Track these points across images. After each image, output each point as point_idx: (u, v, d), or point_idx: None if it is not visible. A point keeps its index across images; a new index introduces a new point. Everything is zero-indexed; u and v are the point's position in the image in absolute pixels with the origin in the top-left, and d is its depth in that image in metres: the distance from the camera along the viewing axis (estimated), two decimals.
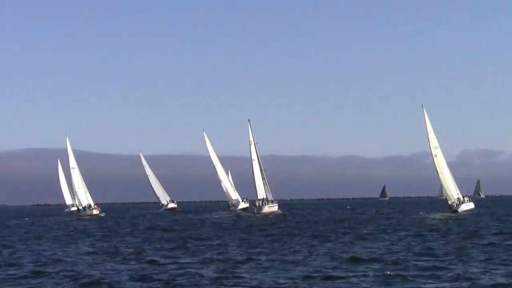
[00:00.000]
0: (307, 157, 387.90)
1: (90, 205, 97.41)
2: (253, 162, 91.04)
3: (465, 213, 78.25)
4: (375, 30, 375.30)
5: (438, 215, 75.87)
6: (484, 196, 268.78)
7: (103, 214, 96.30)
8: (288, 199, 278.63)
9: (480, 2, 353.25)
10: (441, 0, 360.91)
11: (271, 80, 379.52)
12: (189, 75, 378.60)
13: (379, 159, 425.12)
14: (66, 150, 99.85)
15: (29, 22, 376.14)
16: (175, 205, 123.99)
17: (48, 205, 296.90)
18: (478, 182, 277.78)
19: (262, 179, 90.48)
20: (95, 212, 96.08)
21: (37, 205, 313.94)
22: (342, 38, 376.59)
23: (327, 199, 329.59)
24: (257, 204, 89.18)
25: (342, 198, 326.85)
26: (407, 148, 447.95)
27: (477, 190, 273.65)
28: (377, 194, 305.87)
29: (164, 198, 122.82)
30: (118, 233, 50.44)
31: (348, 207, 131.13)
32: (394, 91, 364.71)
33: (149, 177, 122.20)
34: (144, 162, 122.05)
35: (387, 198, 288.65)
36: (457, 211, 79.38)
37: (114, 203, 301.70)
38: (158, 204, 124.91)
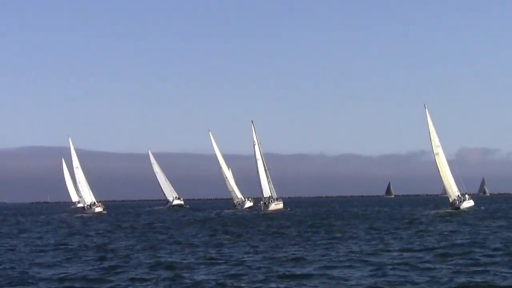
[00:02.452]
0: (305, 155, 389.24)
1: (94, 203, 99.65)
2: (258, 161, 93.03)
3: (467, 210, 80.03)
4: (372, 29, 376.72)
5: (440, 211, 78.22)
6: (489, 194, 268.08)
7: (105, 212, 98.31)
8: (286, 197, 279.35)
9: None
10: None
11: (268, 80, 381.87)
12: (194, 73, 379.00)
13: (376, 157, 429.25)
14: (69, 149, 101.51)
15: (29, 17, 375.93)
16: (182, 202, 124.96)
17: (47, 202, 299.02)
18: (483, 180, 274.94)
19: (267, 178, 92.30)
20: (98, 209, 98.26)
21: (36, 202, 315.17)
22: (339, 37, 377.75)
23: (326, 197, 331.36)
24: (264, 202, 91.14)
25: (340, 196, 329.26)
26: (404, 146, 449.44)
27: (482, 188, 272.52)
28: (377, 192, 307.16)
29: (170, 195, 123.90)
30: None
31: (356, 204, 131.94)
32: (391, 90, 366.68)
33: (156, 174, 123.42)
34: (153, 160, 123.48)
35: (392, 196, 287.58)
36: (459, 208, 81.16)
37: (122, 200, 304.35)
38: (164, 201, 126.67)
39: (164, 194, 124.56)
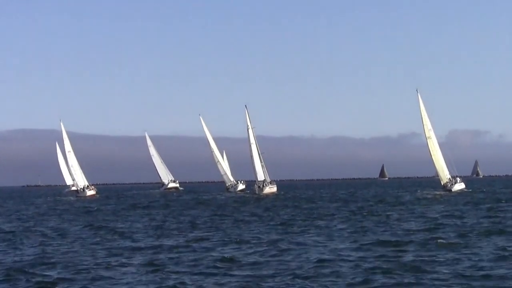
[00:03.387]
0: (295, 137, 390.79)
1: (87, 186, 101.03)
2: (251, 145, 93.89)
3: (458, 192, 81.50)
4: (363, 12, 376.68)
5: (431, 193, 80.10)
6: (482, 176, 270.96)
7: (98, 195, 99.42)
8: (278, 180, 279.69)
9: None
10: None
11: (260, 63, 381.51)
12: (189, 55, 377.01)
13: (367, 140, 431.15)
14: (61, 133, 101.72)
15: None
16: (177, 185, 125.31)
17: (38, 186, 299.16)
18: (476, 162, 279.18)
19: (260, 162, 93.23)
20: (90, 192, 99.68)
21: (28, 185, 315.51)
22: (330, 20, 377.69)
23: (317, 180, 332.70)
24: (258, 185, 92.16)
25: (331, 179, 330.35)
26: (395, 129, 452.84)
27: (475, 170, 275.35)
28: (370, 175, 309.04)
29: (166, 177, 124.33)
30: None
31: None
32: (381, 73, 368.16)
33: (153, 157, 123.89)
34: (149, 142, 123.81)
35: (386, 178, 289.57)
36: (451, 190, 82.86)
37: (117, 183, 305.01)
38: (159, 184, 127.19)
39: (160, 177, 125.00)
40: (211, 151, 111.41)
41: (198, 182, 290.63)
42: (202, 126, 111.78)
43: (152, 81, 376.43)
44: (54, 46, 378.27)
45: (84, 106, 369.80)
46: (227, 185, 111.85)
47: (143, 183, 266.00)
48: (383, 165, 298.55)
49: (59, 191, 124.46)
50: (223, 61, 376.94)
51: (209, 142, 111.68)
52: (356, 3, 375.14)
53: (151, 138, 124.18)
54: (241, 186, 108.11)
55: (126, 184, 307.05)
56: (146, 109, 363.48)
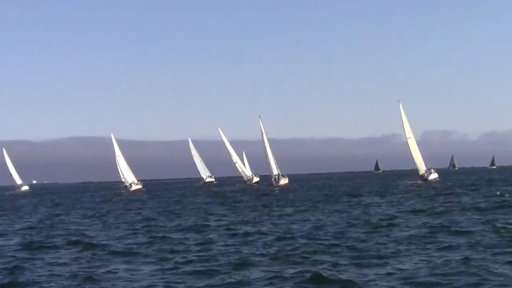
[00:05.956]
0: (298, 139, 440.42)
1: (134, 182, 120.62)
2: (266, 148, 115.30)
3: (433, 180, 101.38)
4: (359, 37, 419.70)
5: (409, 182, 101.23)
6: (457, 168, 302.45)
7: (144, 189, 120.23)
8: (286, 174, 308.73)
9: None
10: None
11: (270, 78, 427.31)
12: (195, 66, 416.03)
13: (357, 140, 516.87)
14: (110, 139, 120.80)
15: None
16: (213, 179, 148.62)
17: (92, 182, 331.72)
18: (452, 157, 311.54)
19: (273, 160, 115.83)
20: (137, 187, 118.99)
21: (83, 182, 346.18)
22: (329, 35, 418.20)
23: (317, 173, 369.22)
24: (274, 178, 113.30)
25: (330, 172, 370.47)
26: (379, 130, 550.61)
27: (451, 163, 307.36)
28: (361, 168, 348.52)
29: (204, 173, 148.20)
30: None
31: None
32: (367, 84, 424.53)
33: (194, 157, 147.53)
34: (191, 145, 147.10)
35: (380, 171, 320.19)
36: (427, 179, 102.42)
37: (162, 179, 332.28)
38: (199, 179, 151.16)
39: (199, 173, 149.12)
40: (229, 155, 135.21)
41: (220, 177, 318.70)
42: (221, 135, 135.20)
43: (187, 95, 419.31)
44: (104, 67, 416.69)
45: (131, 115, 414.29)
46: (244, 179, 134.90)
47: (178, 178, 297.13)
48: (377, 160, 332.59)
49: (113, 186, 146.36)
50: (242, 77, 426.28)
51: (227, 148, 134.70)
52: (353, 20, 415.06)
53: (193, 142, 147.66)
54: (255, 179, 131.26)
55: (165, 179, 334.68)
56: (188, 118, 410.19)
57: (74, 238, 28.58)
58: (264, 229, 30.33)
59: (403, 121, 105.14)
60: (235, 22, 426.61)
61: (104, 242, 26.79)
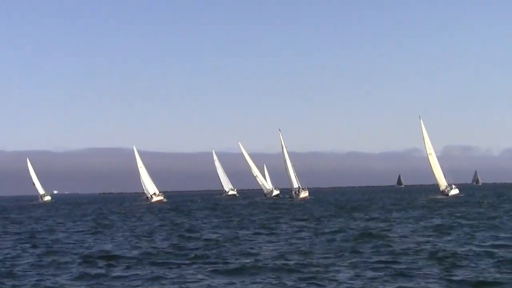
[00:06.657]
0: (317, 153, 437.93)
1: (155, 193, 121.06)
2: (286, 161, 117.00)
3: (454, 196, 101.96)
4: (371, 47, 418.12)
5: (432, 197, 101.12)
6: (481, 184, 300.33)
7: (165, 200, 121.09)
8: (306, 188, 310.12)
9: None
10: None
11: (290, 91, 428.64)
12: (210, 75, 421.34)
13: (376, 154, 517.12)
14: (131, 150, 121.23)
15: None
16: (235, 192, 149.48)
17: (112, 193, 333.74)
18: (476, 172, 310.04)
19: (294, 173, 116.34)
20: (158, 198, 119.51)
21: (103, 193, 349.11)
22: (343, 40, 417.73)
23: (338, 187, 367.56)
24: (295, 191, 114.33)
25: (350, 187, 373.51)
26: (401, 145, 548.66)
27: (475, 179, 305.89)
28: (381, 183, 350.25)
29: (227, 186, 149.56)
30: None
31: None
32: (387, 99, 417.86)
33: (217, 169, 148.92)
34: (215, 157, 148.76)
35: (403, 186, 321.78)
36: (448, 194, 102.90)
37: (185, 191, 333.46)
38: (220, 191, 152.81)
39: (222, 185, 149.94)
40: (250, 168, 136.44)
41: (240, 189, 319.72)
42: (241, 150, 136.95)
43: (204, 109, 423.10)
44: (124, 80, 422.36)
45: (151, 128, 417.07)
46: (265, 191, 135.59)
47: (199, 191, 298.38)
48: (399, 175, 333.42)
49: (135, 198, 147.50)
50: (262, 92, 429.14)
51: (247, 162, 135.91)
52: (371, 27, 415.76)
53: (217, 154, 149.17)
54: (275, 192, 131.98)
55: (182, 191, 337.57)
56: (208, 130, 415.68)
57: None
58: None
59: (424, 137, 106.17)
60: (255, 36, 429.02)
61: None
